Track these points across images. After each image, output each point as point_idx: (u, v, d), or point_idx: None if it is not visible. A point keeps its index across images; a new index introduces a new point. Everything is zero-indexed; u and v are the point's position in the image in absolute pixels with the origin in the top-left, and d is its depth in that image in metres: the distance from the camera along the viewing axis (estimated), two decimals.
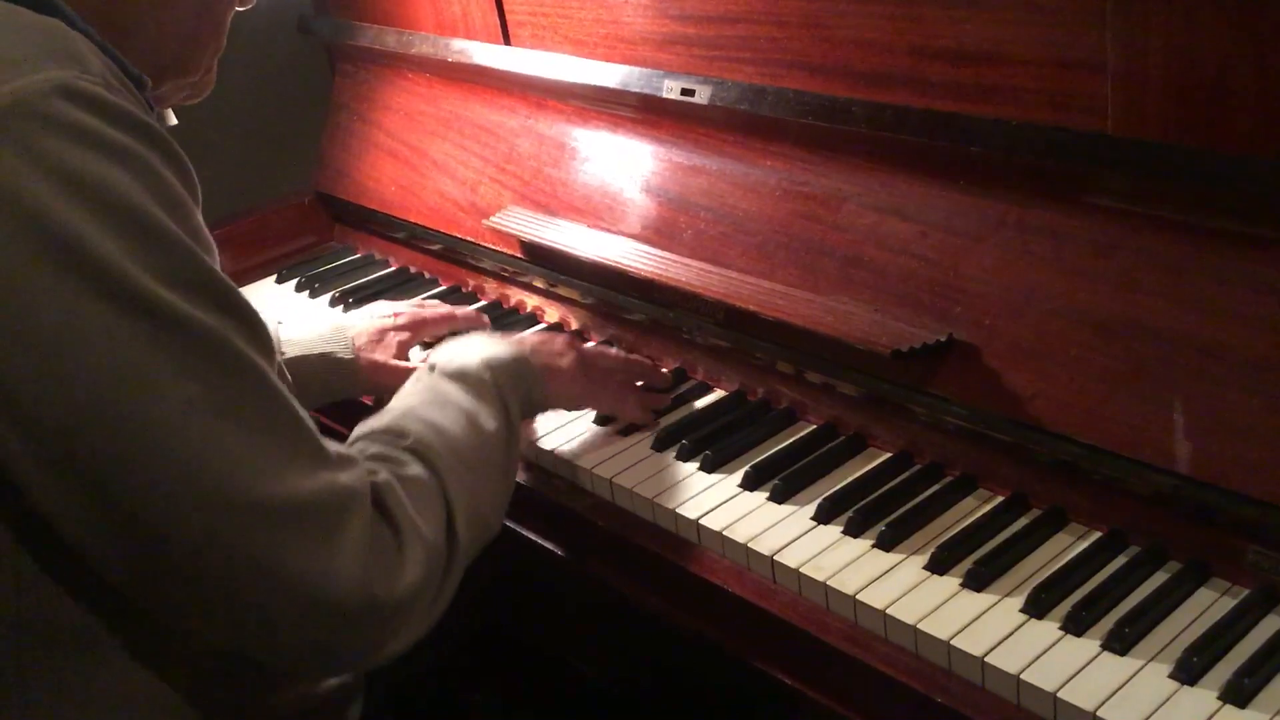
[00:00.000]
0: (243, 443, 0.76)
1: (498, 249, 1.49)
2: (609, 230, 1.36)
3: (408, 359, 1.32)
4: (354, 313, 1.41)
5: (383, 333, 1.31)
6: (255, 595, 0.78)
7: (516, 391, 1.08)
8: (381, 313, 1.35)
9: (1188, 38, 0.91)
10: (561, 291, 1.44)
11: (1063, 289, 1.01)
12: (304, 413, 0.82)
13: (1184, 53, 0.92)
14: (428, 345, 1.36)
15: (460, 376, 1.05)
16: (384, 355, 1.29)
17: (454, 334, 1.32)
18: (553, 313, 1.46)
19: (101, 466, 0.73)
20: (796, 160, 1.21)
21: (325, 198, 1.76)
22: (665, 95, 1.28)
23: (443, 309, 1.40)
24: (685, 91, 1.26)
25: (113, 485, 0.74)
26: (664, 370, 1.30)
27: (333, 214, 1.77)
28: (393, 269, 1.66)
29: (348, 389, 1.28)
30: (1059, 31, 0.99)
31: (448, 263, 1.60)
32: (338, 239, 1.76)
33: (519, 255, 1.47)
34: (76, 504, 0.75)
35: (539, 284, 1.47)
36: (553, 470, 1.21)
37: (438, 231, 1.58)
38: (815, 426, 1.19)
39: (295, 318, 1.43)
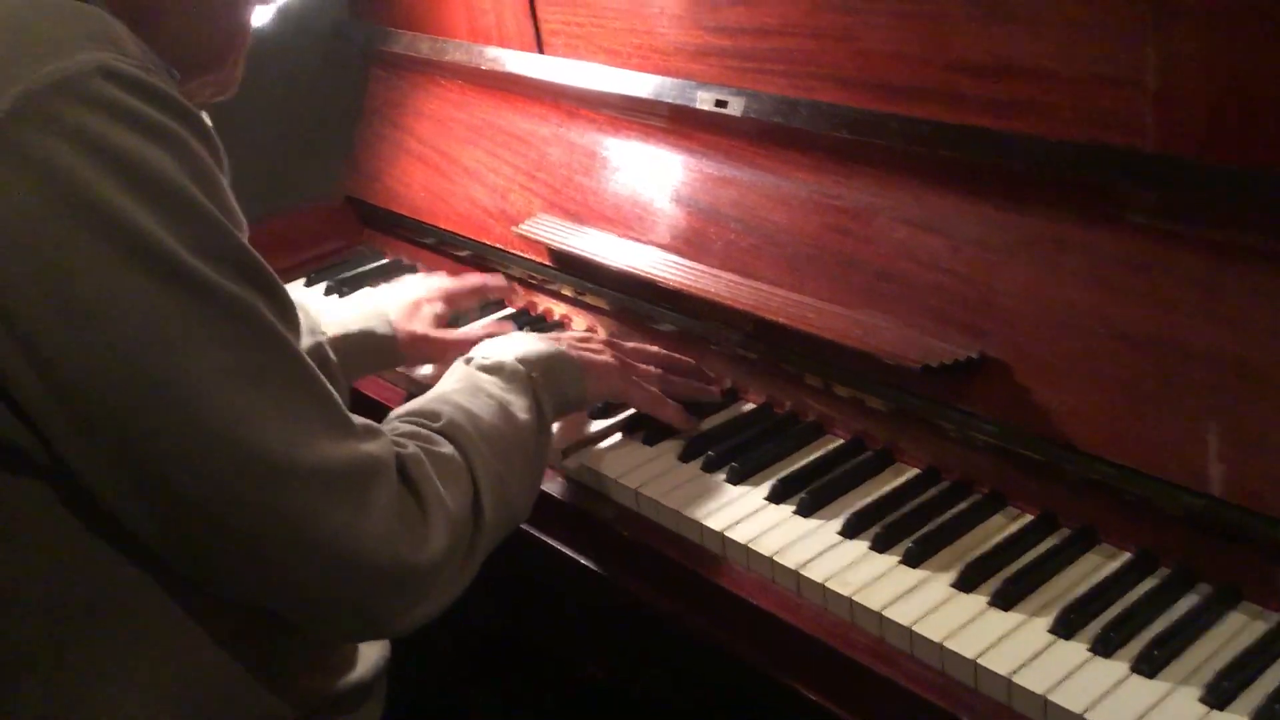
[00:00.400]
0: (273, 409, 0.80)
1: (527, 256, 1.49)
2: (638, 240, 1.36)
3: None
4: (386, 288, 1.45)
5: (417, 305, 1.35)
6: (286, 556, 0.81)
7: (551, 386, 1.10)
8: (414, 287, 1.40)
9: (1228, 55, 0.90)
10: (589, 300, 1.44)
11: (1096, 306, 1.00)
12: (329, 386, 0.85)
13: (1224, 70, 0.91)
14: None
15: (496, 369, 1.09)
16: (421, 327, 1.33)
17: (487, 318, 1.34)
18: (580, 321, 1.46)
19: (137, 431, 0.77)
20: (828, 173, 1.20)
21: (355, 202, 1.77)
22: (698, 106, 1.28)
23: (473, 279, 1.45)
24: (718, 103, 1.26)
25: (147, 449, 0.77)
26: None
27: (362, 218, 1.78)
28: (425, 275, 1.67)
29: (389, 361, 1.33)
30: (1097, 47, 0.99)
31: (476, 269, 1.60)
32: (366, 243, 1.77)
33: (548, 263, 1.47)
34: (112, 468, 0.78)
35: (567, 292, 1.47)
36: (577, 476, 1.21)
37: (467, 238, 1.58)
38: (843, 440, 1.19)
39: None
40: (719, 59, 1.28)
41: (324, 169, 1.81)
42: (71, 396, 0.76)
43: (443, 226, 1.62)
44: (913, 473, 1.13)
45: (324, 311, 1.33)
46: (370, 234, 1.77)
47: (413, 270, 1.68)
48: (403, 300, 1.36)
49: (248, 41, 0.99)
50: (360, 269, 1.69)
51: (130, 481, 0.78)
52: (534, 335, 1.17)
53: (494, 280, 1.46)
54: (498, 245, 1.53)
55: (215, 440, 0.78)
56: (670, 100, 1.31)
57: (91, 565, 0.84)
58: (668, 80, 1.32)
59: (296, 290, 1.46)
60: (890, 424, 1.15)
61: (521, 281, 1.53)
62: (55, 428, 0.77)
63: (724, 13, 1.26)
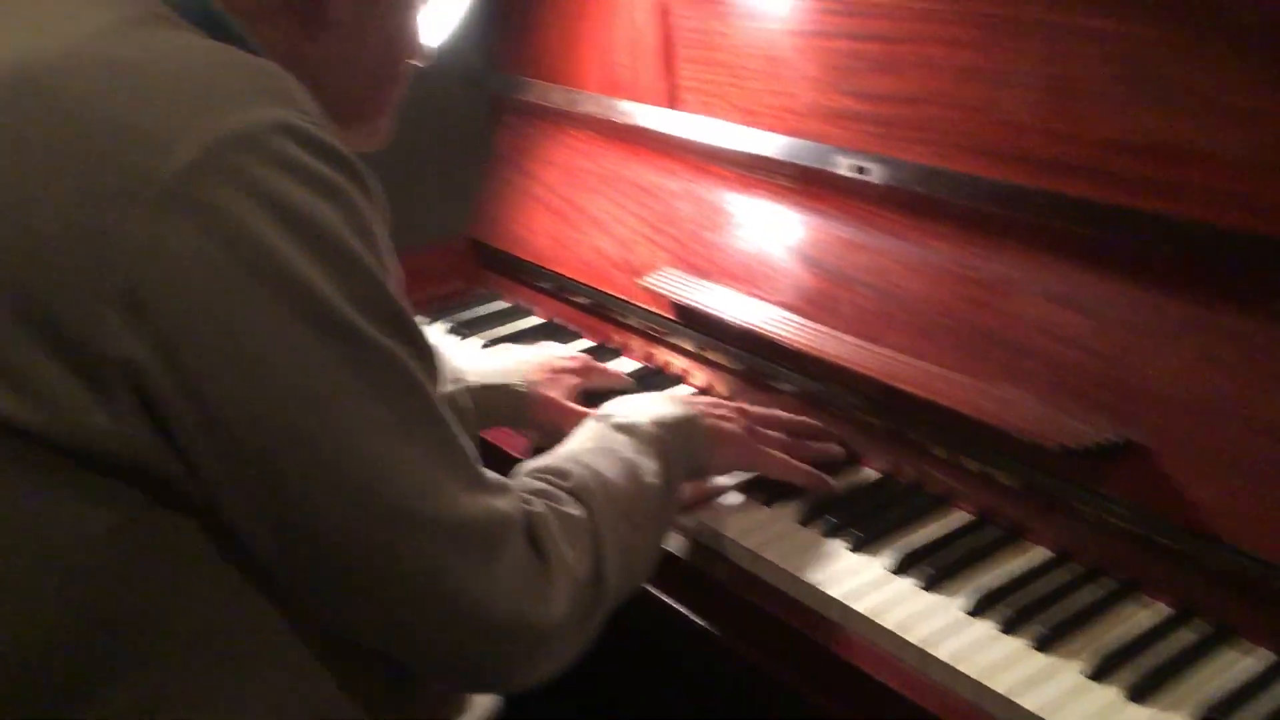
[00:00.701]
0: (413, 462, 0.82)
1: (648, 308, 1.50)
2: (764, 298, 1.36)
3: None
4: (527, 349, 1.48)
5: (556, 372, 1.36)
6: (411, 606, 0.83)
7: (681, 451, 1.11)
8: (555, 354, 1.42)
9: None
10: (710, 355, 1.44)
11: (1247, 397, 0.98)
12: (464, 438, 0.87)
13: None
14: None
15: (628, 429, 1.09)
16: (555, 393, 1.34)
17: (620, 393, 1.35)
18: (699, 375, 1.47)
19: (283, 474, 0.78)
20: (966, 243, 1.19)
21: (477, 243, 1.79)
22: (836, 171, 1.28)
23: (611, 369, 1.46)
24: (858, 169, 1.25)
25: (291, 493, 0.79)
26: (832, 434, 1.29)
27: (483, 260, 1.80)
28: (540, 320, 1.69)
29: (520, 420, 1.34)
30: (1259, 134, 0.97)
31: (595, 317, 1.61)
32: (486, 285, 1.79)
33: (670, 316, 1.47)
34: (255, 506, 0.80)
35: (688, 346, 1.47)
36: (693, 533, 1.21)
37: (589, 286, 1.60)
38: (969, 515, 1.17)
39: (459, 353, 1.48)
40: (857, 123, 1.28)
41: (448, 210, 1.85)
42: (224, 435, 0.78)
43: (564, 273, 1.64)
44: (1043, 553, 1.11)
45: (465, 358, 1.36)
46: (490, 276, 1.79)
47: (531, 314, 1.70)
48: (542, 364, 1.37)
49: (402, 94, 1.02)
50: (481, 311, 1.71)
51: (271, 521, 0.80)
52: (667, 397, 1.18)
53: (628, 378, 1.47)
54: (619, 295, 1.54)
55: (357, 489, 0.80)
56: (806, 163, 1.32)
57: (223, 596, 0.85)
58: (804, 143, 1.32)
59: (436, 335, 1.48)
60: (1020, 502, 1.13)
61: (641, 333, 1.54)
62: (205, 463, 0.79)
63: (865, 78, 1.27)
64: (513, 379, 1.32)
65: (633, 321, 1.55)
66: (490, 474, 0.90)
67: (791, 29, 1.35)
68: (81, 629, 0.83)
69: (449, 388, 1.26)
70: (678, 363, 1.49)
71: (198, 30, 0.88)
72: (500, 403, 1.30)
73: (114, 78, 0.80)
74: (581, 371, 1.39)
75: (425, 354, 0.86)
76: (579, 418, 1.29)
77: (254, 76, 0.82)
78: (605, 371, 1.44)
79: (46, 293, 0.77)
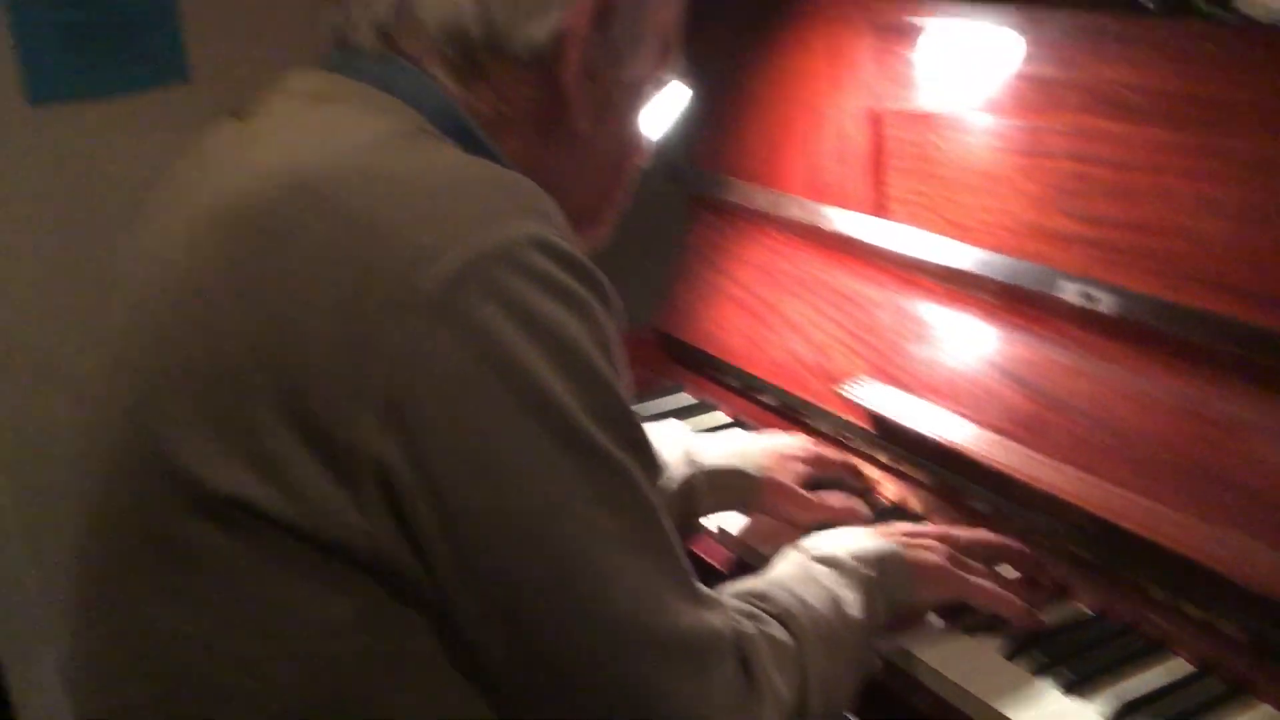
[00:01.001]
0: (638, 575, 0.84)
1: (842, 415, 1.49)
2: (968, 417, 1.34)
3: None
4: (756, 435, 1.50)
5: (784, 459, 1.38)
6: (627, 717, 0.84)
7: (883, 587, 1.10)
8: (783, 441, 1.44)
9: None
10: (905, 469, 1.42)
11: None
12: (681, 551, 0.89)
13: None
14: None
15: (831, 562, 1.09)
16: (785, 479, 1.35)
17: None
18: (891, 488, 1.44)
19: (514, 580, 0.81)
20: (1200, 381, 1.15)
21: (665, 335, 1.81)
22: (1055, 294, 1.25)
23: (840, 456, 1.46)
24: (1084, 295, 1.22)
25: (519, 599, 0.81)
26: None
27: (670, 352, 1.81)
28: (727, 418, 1.68)
29: (750, 504, 1.36)
30: None
31: (783, 419, 1.61)
32: (672, 377, 1.80)
33: (865, 426, 1.46)
34: (482, 608, 0.82)
35: (882, 458, 1.45)
36: (888, 657, 1.18)
37: (778, 387, 1.59)
38: (1188, 663, 1.11)
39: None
40: (1081, 247, 1.26)
41: (637, 300, 1.86)
42: (461, 538, 0.80)
43: (754, 372, 1.64)
44: (1269, 712, 1.05)
45: (696, 440, 1.39)
46: (676, 369, 1.80)
47: (717, 410, 1.70)
48: (772, 450, 1.39)
49: (628, 201, 1.05)
50: (667, 405, 1.72)
51: (498, 623, 0.82)
52: (867, 531, 1.17)
53: (853, 462, 1.47)
54: (812, 400, 1.53)
55: (584, 598, 0.82)
56: (1023, 283, 1.29)
57: (443, 690, 0.86)
58: (1022, 263, 1.30)
59: (674, 426, 1.51)
60: (1247, 655, 1.08)
61: (832, 439, 1.52)
62: (442, 563, 0.81)
63: (1093, 203, 1.24)
64: (745, 463, 1.34)
65: (823, 427, 1.53)
66: (705, 589, 0.91)
67: (1012, 148, 1.34)
68: (310, 714, 0.85)
69: (682, 470, 1.29)
70: (870, 472, 1.47)
71: (452, 142, 0.92)
72: (732, 486, 1.33)
73: (386, 189, 0.84)
74: (810, 460, 1.40)
75: (652, 466, 0.88)
76: (810, 505, 1.31)
77: (512, 192, 0.86)
78: (833, 462, 1.44)
79: (309, 388, 0.80)
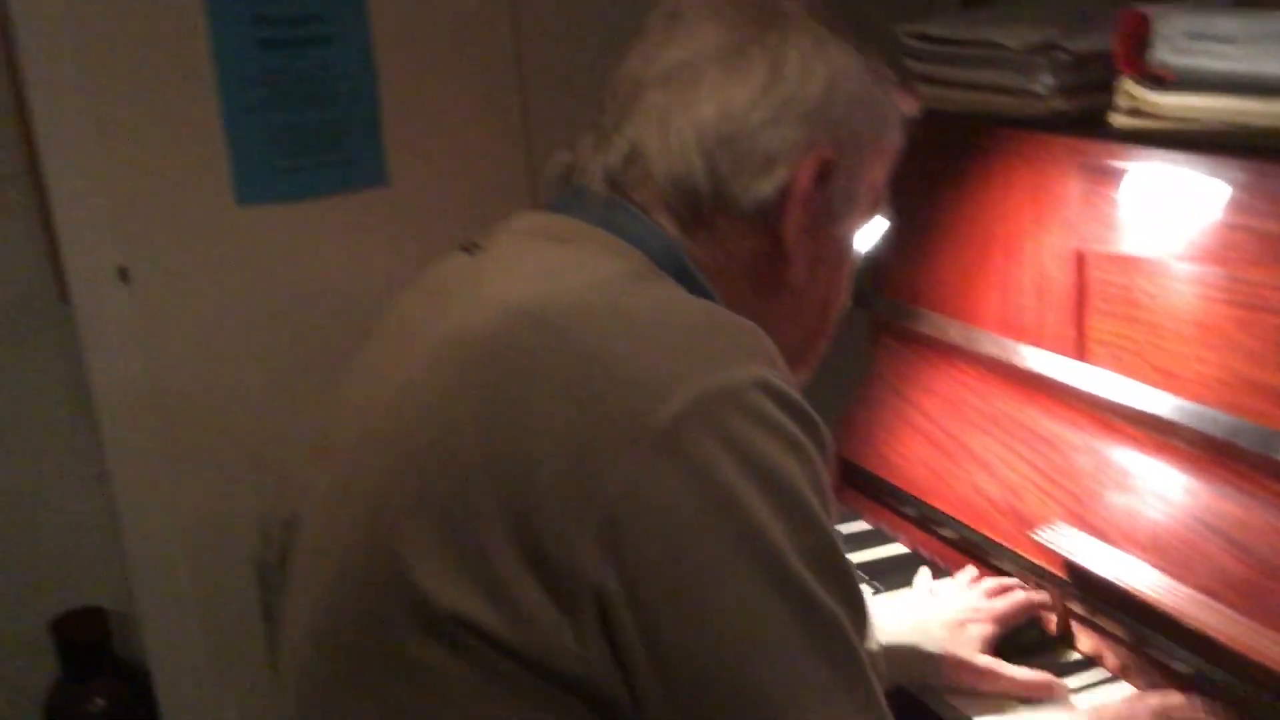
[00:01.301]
0: None
1: (1030, 558, 1.45)
2: (1171, 575, 1.29)
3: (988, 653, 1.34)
4: (931, 600, 1.46)
5: (963, 626, 1.35)
6: None
7: None
8: (961, 605, 1.40)
9: None
10: (1101, 622, 1.37)
11: None
12: (887, 707, 0.87)
13: None
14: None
15: None
16: (966, 651, 1.32)
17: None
18: (1086, 641, 1.40)
19: (718, 717, 0.80)
20: None
21: (843, 460, 1.80)
22: (1277, 457, 1.21)
23: (1017, 598, 1.42)
24: None
25: None
26: None
27: (847, 477, 1.80)
28: (904, 549, 1.66)
29: (929, 678, 1.32)
30: None
31: (964, 555, 1.57)
32: (848, 503, 1.78)
33: (1057, 573, 1.42)
34: None
35: (1075, 607, 1.41)
36: None
37: (962, 523, 1.56)
38: None
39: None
40: None
41: None
42: (671, 672, 0.81)
43: (936, 505, 1.61)
44: None
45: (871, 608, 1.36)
46: (853, 494, 1.79)
47: (893, 541, 1.68)
48: (948, 618, 1.36)
49: (831, 339, 1.06)
50: (842, 532, 1.69)
51: None
52: (1068, 708, 1.16)
53: (1039, 597, 1.43)
54: (999, 539, 1.50)
55: None
56: (1241, 443, 1.25)
57: None
58: (1240, 421, 1.26)
59: None
60: None
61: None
62: (651, 696, 0.82)
63: None
64: (921, 639, 1.31)
65: (1007, 567, 1.50)
66: None
67: (1228, 299, 1.30)
68: None
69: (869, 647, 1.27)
70: (1053, 618, 1.43)
71: (676, 283, 0.95)
72: (909, 661, 1.29)
73: (618, 326, 0.87)
74: (991, 620, 1.37)
75: (862, 614, 0.88)
76: (993, 678, 1.28)
77: (738, 335, 0.89)
78: (1016, 611, 1.40)
79: (537, 513, 0.82)
